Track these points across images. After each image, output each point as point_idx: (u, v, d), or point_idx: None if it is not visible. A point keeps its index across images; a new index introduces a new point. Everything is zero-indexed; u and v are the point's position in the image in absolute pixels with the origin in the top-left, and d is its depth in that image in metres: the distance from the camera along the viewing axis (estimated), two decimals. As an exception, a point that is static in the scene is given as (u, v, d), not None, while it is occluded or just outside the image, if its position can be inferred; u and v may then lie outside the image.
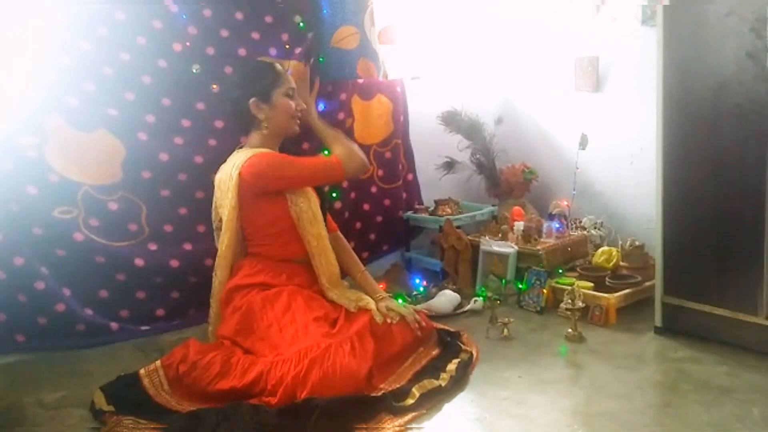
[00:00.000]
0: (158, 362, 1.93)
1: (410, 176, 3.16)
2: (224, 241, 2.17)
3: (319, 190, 2.30)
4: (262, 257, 2.17)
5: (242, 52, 2.52)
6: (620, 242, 2.69)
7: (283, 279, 2.13)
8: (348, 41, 2.77)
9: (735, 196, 2.01)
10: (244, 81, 2.20)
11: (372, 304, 2.09)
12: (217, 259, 2.21)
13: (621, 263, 2.61)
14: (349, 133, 2.86)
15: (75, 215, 2.27)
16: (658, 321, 2.23)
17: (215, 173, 2.25)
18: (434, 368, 1.98)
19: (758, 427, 1.63)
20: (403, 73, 3.10)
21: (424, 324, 2.13)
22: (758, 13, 1.88)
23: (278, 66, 2.24)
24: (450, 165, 3.18)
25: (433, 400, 1.81)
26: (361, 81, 2.86)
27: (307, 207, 2.16)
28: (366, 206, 3.00)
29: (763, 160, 1.93)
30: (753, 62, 1.92)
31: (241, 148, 2.24)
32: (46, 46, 2.19)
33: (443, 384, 1.88)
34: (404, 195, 3.12)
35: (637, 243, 2.60)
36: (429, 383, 1.87)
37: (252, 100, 2.15)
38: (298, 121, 2.25)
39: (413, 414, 1.74)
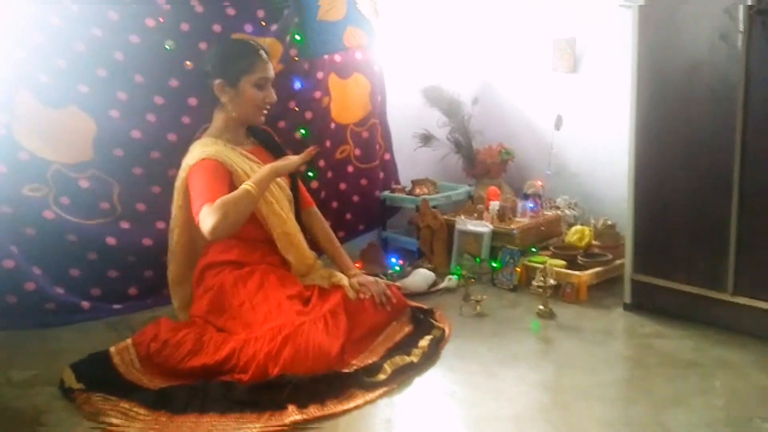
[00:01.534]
0: (129, 340, 1.92)
1: (387, 156, 3.15)
2: (173, 237, 2.17)
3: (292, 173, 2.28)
4: (233, 236, 2.14)
5: (217, 28, 2.49)
6: (593, 222, 2.72)
7: (256, 257, 2.12)
8: (335, 11, 2.75)
9: (704, 176, 2.04)
10: (216, 59, 2.13)
11: (345, 281, 2.10)
12: (168, 254, 2.21)
13: (593, 242, 2.65)
14: (326, 112, 2.85)
15: (45, 193, 2.24)
16: (627, 298, 2.27)
17: None
18: (407, 344, 2.00)
19: (719, 398, 1.67)
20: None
21: (394, 301, 2.14)
22: (731, -7, 1.90)
23: (262, 54, 2.12)
24: (427, 138, 3.18)
25: (405, 375, 1.83)
26: (338, 59, 2.85)
27: (272, 208, 2.10)
28: (343, 186, 2.99)
29: (732, 143, 1.96)
30: (726, 44, 1.94)
31: (204, 131, 2.21)
32: (15, 21, 2.14)
33: (415, 360, 1.90)
34: (381, 175, 3.12)
35: (609, 222, 2.63)
36: (401, 359, 1.88)
37: (218, 81, 2.09)
38: (265, 112, 2.17)
39: (384, 389, 1.76)
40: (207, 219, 1.88)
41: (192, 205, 1.98)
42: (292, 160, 2.09)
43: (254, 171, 2.07)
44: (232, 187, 2.01)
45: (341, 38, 2.78)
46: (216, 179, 1.98)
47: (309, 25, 2.69)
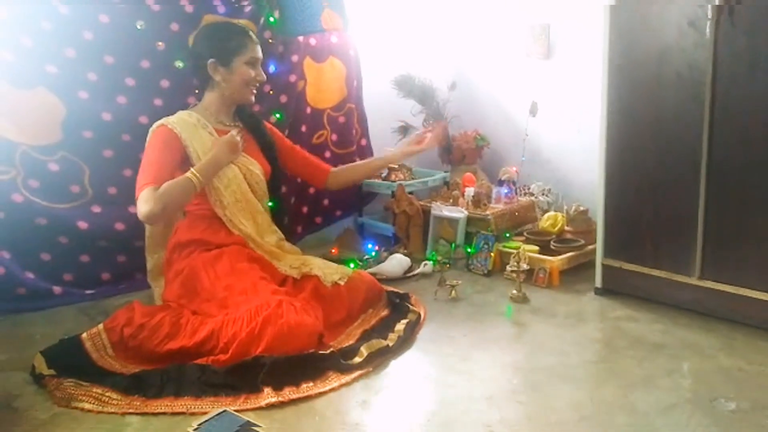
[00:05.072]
0: (101, 326, 1.89)
1: (364, 141, 3.15)
2: None
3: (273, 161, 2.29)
4: (198, 215, 2.15)
5: (189, 9, 2.45)
6: (566, 207, 2.76)
7: (222, 236, 2.11)
8: None
9: (673, 162, 2.08)
10: (207, 40, 2.16)
11: (317, 270, 2.09)
12: None
13: (566, 228, 2.69)
14: (301, 96, 2.83)
15: (13, 176, 2.20)
16: (598, 282, 2.32)
17: None
18: (383, 328, 2.01)
19: (686, 379, 1.72)
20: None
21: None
22: (700, -19, 1.93)
23: (252, 35, 2.19)
24: (405, 129, 3.18)
25: (381, 358, 1.84)
26: (313, 43, 2.82)
27: (225, 184, 2.11)
28: (319, 171, 2.98)
29: (700, 127, 2.00)
30: (694, 30, 1.97)
31: (194, 106, 2.21)
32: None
33: (391, 344, 1.91)
34: (358, 160, 3.11)
35: (581, 208, 2.67)
36: (377, 343, 1.89)
37: (211, 60, 2.12)
38: (254, 91, 2.21)
39: (360, 372, 1.77)
40: (145, 205, 1.92)
41: (138, 175, 2.00)
42: (232, 153, 2.11)
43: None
44: (183, 160, 2.06)
45: (319, 19, 2.75)
46: (164, 154, 2.04)
47: (286, 3, 2.66)
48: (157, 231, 2.25)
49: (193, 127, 2.10)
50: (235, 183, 2.13)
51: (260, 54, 2.20)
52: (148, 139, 2.09)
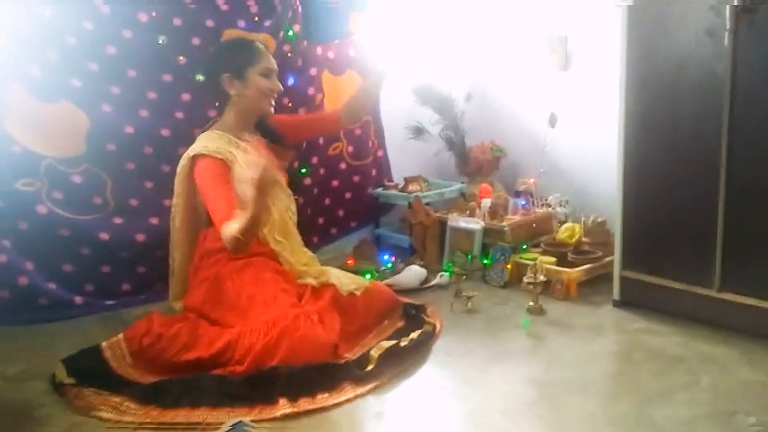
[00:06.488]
0: (120, 335, 1.93)
1: (380, 153, 3.16)
2: (174, 225, 2.24)
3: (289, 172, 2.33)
4: None
5: (210, 23, 2.48)
6: (583, 219, 2.74)
7: (252, 247, 2.12)
8: None
9: (691, 174, 2.06)
10: (220, 56, 2.21)
11: (334, 279, 2.11)
12: (171, 243, 2.27)
13: (583, 239, 2.67)
14: (320, 108, 2.85)
15: (38, 188, 2.24)
16: (616, 294, 2.30)
17: (183, 147, 2.25)
18: (397, 336, 2.01)
19: (705, 393, 1.70)
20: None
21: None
22: (717, -9, 1.92)
23: (260, 45, 2.24)
24: (419, 131, 3.17)
25: (394, 362, 1.83)
26: (332, 56, 2.85)
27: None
28: (335, 183, 3.00)
29: (719, 139, 1.98)
30: (712, 40, 1.96)
31: (213, 123, 2.24)
32: (5, 14, 2.13)
33: (403, 344, 1.90)
34: (374, 172, 3.13)
35: (599, 219, 2.66)
36: (386, 343, 1.89)
37: (225, 75, 2.16)
38: (272, 102, 2.25)
39: (376, 383, 1.77)
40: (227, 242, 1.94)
41: (211, 212, 2.04)
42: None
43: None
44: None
45: (346, 24, 2.79)
46: (223, 183, 2.03)
47: (314, 9, 2.71)
48: (187, 253, 2.25)
49: (234, 147, 2.10)
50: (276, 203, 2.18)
51: (274, 65, 2.25)
52: (189, 166, 2.12)
